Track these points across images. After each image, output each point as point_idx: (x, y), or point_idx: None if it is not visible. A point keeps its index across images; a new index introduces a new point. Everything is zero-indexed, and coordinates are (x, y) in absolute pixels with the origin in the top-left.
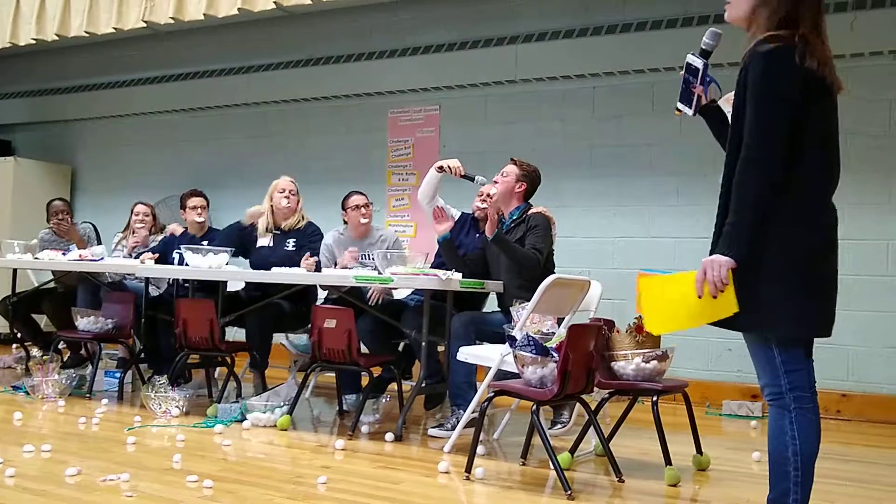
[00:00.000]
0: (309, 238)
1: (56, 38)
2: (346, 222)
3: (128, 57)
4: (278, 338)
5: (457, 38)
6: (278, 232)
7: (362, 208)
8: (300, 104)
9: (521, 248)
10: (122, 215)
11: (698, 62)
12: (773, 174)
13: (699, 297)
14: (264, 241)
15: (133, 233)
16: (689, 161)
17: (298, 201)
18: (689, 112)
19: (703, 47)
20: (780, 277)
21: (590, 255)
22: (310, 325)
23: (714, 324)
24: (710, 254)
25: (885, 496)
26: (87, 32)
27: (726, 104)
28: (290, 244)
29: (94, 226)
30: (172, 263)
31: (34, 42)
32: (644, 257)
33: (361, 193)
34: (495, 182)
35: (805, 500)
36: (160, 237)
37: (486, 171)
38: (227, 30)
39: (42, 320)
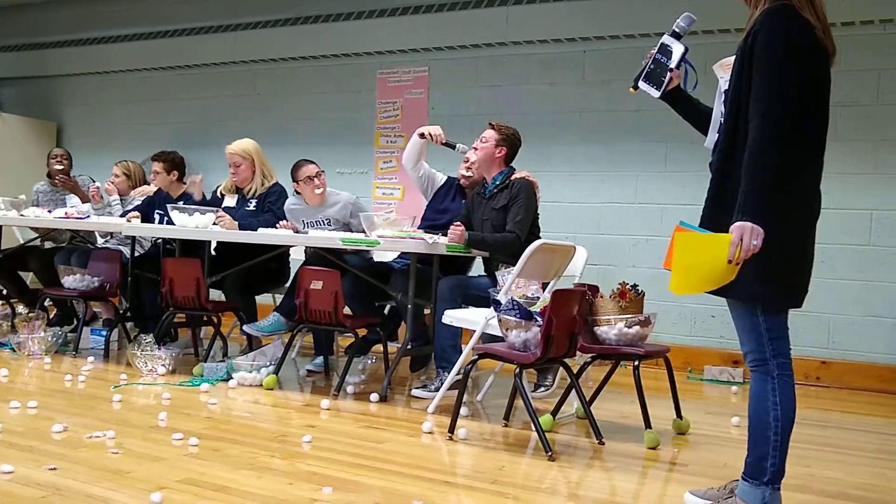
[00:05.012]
0: (268, 199)
1: None
2: (297, 193)
3: (114, 13)
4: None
5: None
6: (240, 195)
7: (315, 179)
8: (288, 63)
9: (497, 234)
10: (109, 173)
11: (679, 46)
12: (789, 134)
13: (729, 262)
14: (230, 201)
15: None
16: (677, 127)
17: (251, 169)
18: (656, 94)
19: (676, 30)
20: (774, 249)
21: (576, 220)
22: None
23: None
24: (707, 218)
25: (859, 461)
26: None
27: (720, 69)
28: (252, 205)
29: (93, 180)
30: (153, 223)
31: None
32: (631, 223)
33: (311, 162)
34: (475, 149)
35: (782, 464)
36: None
37: (474, 133)
38: None
39: (28, 277)
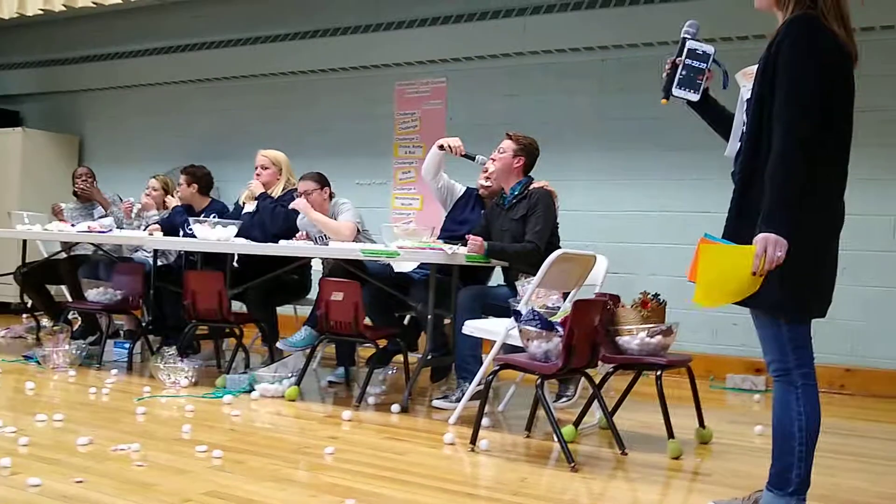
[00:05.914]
0: (281, 200)
1: (63, 8)
2: None
3: (135, 27)
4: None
5: (465, 9)
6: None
7: (302, 195)
8: (307, 76)
9: (517, 244)
10: (130, 185)
11: (708, 48)
12: (813, 145)
13: (754, 274)
14: (250, 208)
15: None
16: (696, 135)
17: (276, 176)
18: (695, 97)
19: (686, 37)
20: (798, 260)
21: (596, 229)
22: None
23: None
24: (730, 229)
25: (885, 470)
26: (94, 3)
27: (743, 78)
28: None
29: (120, 198)
30: (178, 235)
31: (42, 13)
32: (651, 232)
33: (308, 179)
34: (492, 159)
35: (807, 475)
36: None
37: (492, 144)
38: (235, 0)
39: (53, 290)
